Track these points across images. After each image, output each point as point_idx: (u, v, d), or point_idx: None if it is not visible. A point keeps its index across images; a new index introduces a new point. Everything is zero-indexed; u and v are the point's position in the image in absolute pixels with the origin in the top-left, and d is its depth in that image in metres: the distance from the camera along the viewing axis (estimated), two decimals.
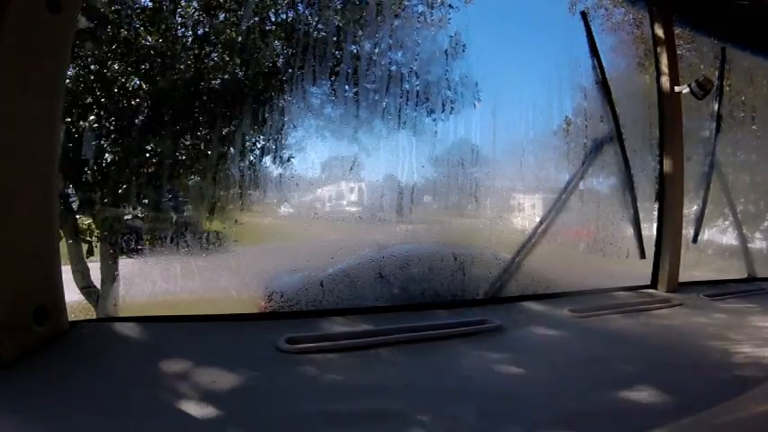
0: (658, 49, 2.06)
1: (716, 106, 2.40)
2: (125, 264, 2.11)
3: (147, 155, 2.06)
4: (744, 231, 2.67)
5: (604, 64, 2.04)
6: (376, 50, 2.21)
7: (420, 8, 2.28)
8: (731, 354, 1.29)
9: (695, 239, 2.35)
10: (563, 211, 1.98)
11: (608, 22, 2.56)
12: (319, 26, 2.14)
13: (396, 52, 2.24)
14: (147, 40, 2.05)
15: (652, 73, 2.12)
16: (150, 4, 2.07)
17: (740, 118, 2.92)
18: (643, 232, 2.11)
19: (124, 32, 1.99)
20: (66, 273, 2.10)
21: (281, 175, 2.08)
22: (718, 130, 2.39)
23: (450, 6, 2.24)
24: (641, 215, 2.08)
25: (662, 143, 2.07)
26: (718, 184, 2.43)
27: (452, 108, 2.25)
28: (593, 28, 2.07)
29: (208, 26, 2.10)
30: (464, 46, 2.23)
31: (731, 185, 2.58)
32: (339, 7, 2.18)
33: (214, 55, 2.11)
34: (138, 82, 2.06)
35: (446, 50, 2.24)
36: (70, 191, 2.03)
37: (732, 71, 2.68)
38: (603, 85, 2.02)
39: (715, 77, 2.36)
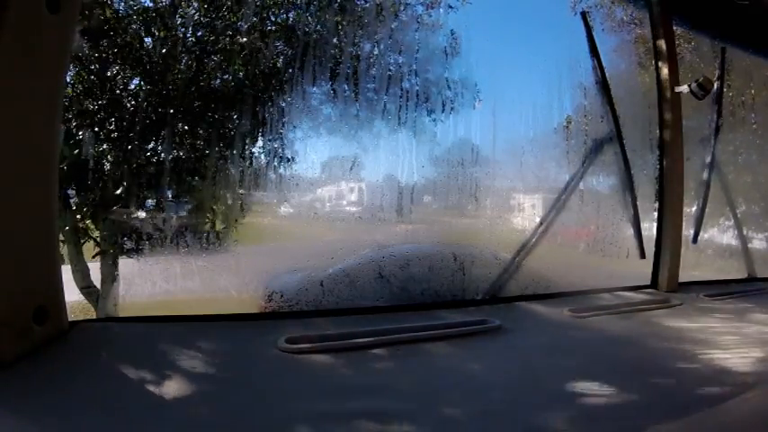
0: (658, 49, 2.06)
1: (716, 106, 2.40)
2: (125, 264, 2.12)
3: (148, 155, 2.06)
4: (743, 231, 2.67)
5: (605, 64, 2.04)
6: (375, 51, 2.21)
7: (419, 9, 2.28)
8: (731, 354, 1.29)
9: (695, 239, 2.35)
10: (563, 212, 1.98)
11: (608, 22, 2.56)
12: (319, 27, 2.14)
13: (396, 52, 2.24)
14: (147, 41, 2.06)
15: (652, 73, 2.12)
16: (151, 5, 2.07)
17: (740, 117, 2.92)
18: (643, 232, 2.11)
19: (125, 34, 1.99)
20: (66, 273, 2.10)
21: (281, 175, 2.09)
22: (717, 129, 2.38)
23: (449, 7, 2.25)
24: (641, 215, 2.08)
25: (662, 143, 2.07)
26: (718, 184, 2.43)
27: (452, 108, 2.25)
28: (593, 27, 2.07)
29: (208, 27, 2.10)
30: (463, 46, 2.24)
31: (732, 185, 2.58)
32: (338, 8, 2.18)
33: (214, 56, 2.11)
34: (138, 83, 2.07)
35: (445, 50, 2.24)
36: (70, 191, 2.03)
37: (732, 71, 2.68)
38: (604, 85, 2.02)
39: (715, 77, 2.36)
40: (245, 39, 2.10)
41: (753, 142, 3.07)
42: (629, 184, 2.05)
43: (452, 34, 2.21)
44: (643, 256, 2.07)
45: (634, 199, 2.05)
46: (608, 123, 2.04)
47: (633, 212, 2.06)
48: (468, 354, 1.22)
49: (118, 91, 2.02)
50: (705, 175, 2.36)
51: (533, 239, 1.90)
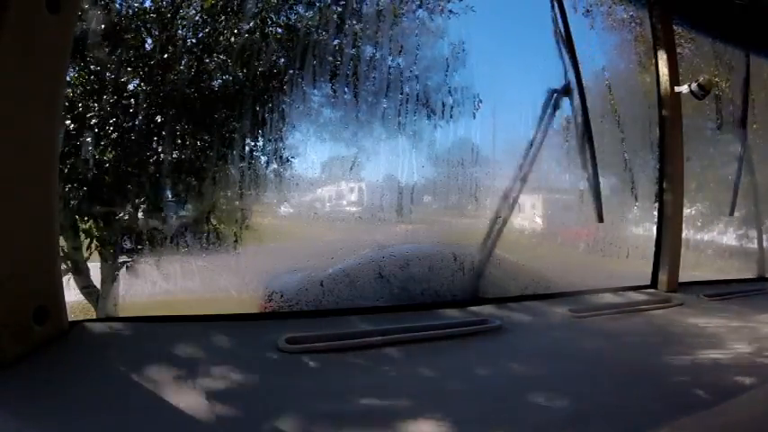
0: (658, 49, 2.06)
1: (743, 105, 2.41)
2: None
3: (148, 156, 2.06)
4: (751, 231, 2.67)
5: (605, 63, 2.03)
6: (377, 53, 2.21)
7: (420, 12, 2.28)
8: (731, 354, 1.29)
9: (732, 212, 2.33)
10: (527, 183, 1.84)
11: (609, 20, 2.57)
12: (320, 29, 2.14)
13: (396, 53, 2.24)
14: (148, 41, 2.06)
15: (652, 72, 2.12)
16: (152, 5, 2.07)
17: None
18: (643, 232, 2.10)
19: (126, 35, 1.99)
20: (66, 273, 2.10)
21: (281, 175, 2.09)
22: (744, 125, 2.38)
23: (450, 12, 2.25)
24: (640, 214, 2.06)
25: (662, 143, 2.07)
26: (721, 185, 2.44)
27: (452, 108, 2.25)
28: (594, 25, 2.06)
29: (209, 28, 2.10)
30: (463, 46, 2.24)
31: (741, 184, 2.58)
32: (340, 10, 2.18)
33: (215, 55, 2.11)
34: (139, 83, 2.07)
35: (446, 51, 2.24)
36: (70, 191, 2.02)
37: (733, 71, 2.69)
38: (566, 32, 1.82)
39: (714, 78, 2.36)
40: (246, 40, 2.09)
41: (753, 142, 3.07)
42: (588, 139, 1.84)
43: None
44: (601, 219, 1.89)
45: (593, 156, 1.85)
46: (569, 75, 1.83)
47: (592, 172, 1.85)
48: (468, 354, 1.22)
49: (118, 90, 2.02)
50: (738, 158, 2.35)
51: (501, 219, 1.82)
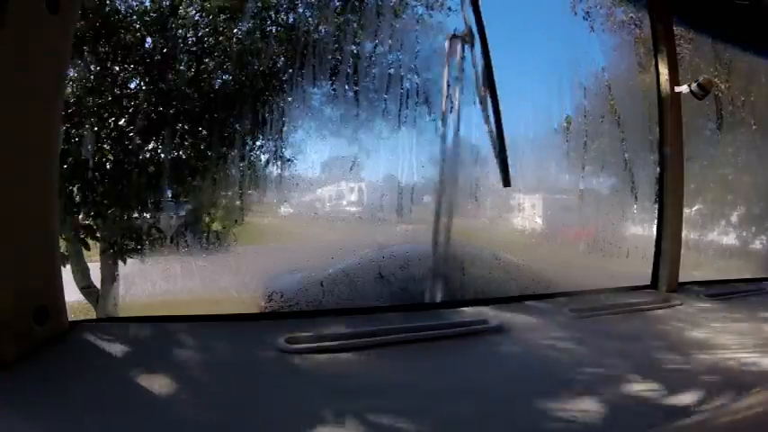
0: (658, 50, 2.06)
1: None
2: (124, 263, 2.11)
3: (148, 155, 2.06)
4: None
5: (606, 63, 2.03)
6: (376, 51, 2.22)
7: (420, 10, 2.28)
8: (731, 355, 1.29)
9: None
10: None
11: (609, 22, 2.57)
12: (320, 28, 2.14)
13: (396, 53, 2.24)
14: (147, 41, 2.06)
15: (653, 72, 2.12)
16: (151, 5, 2.07)
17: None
18: (643, 232, 2.09)
19: (126, 34, 1.99)
20: (67, 273, 2.10)
21: (281, 175, 2.09)
22: None
23: (449, 9, 2.25)
24: (640, 214, 2.06)
25: (662, 143, 2.07)
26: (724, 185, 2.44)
27: (452, 108, 2.25)
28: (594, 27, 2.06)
29: (208, 27, 2.10)
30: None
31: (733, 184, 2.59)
32: (339, 8, 2.18)
33: (215, 55, 2.11)
34: (139, 82, 2.07)
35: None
36: (70, 191, 2.02)
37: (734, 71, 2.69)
38: None
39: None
40: (245, 39, 2.09)
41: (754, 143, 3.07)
42: (489, 91, 1.54)
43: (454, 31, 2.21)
44: (506, 184, 1.61)
45: (496, 107, 1.54)
46: (469, 20, 1.57)
47: (495, 128, 1.54)
48: (468, 354, 1.22)
49: (118, 90, 2.02)
50: None
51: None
